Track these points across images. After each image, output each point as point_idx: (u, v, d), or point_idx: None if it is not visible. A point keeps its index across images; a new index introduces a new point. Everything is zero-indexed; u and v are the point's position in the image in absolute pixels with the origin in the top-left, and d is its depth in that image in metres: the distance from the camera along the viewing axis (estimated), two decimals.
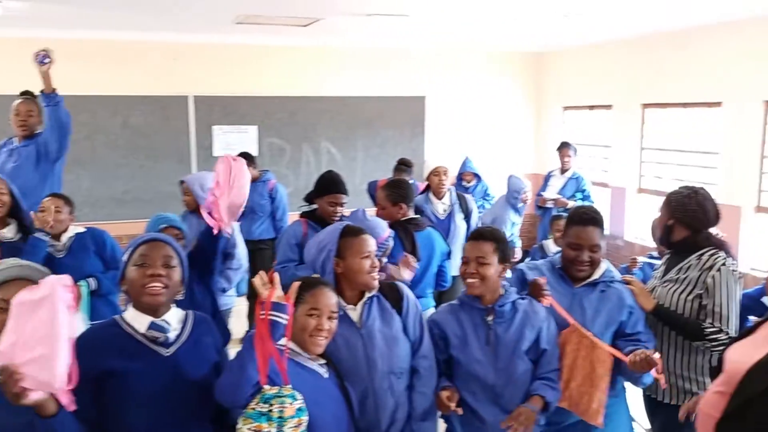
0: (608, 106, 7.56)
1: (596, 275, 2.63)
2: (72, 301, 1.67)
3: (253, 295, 5.06)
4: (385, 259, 3.16)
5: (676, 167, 6.62)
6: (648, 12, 5.46)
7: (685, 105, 6.49)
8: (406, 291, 2.49)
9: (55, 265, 3.26)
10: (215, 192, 2.82)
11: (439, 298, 4.14)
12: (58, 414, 1.65)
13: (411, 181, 4.78)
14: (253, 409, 1.85)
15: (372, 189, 5.73)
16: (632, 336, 2.56)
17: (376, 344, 2.32)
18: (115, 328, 1.99)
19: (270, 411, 1.84)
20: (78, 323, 1.83)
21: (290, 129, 7.81)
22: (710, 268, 2.67)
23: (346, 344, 2.30)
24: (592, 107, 7.96)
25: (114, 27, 6.34)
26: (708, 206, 2.76)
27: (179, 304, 2.11)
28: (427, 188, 5.02)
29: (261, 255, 5.44)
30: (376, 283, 2.39)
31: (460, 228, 4.75)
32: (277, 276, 1.96)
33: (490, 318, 2.43)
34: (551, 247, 5.08)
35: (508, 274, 2.55)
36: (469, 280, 2.41)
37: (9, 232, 3.56)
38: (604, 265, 2.66)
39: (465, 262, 2.44)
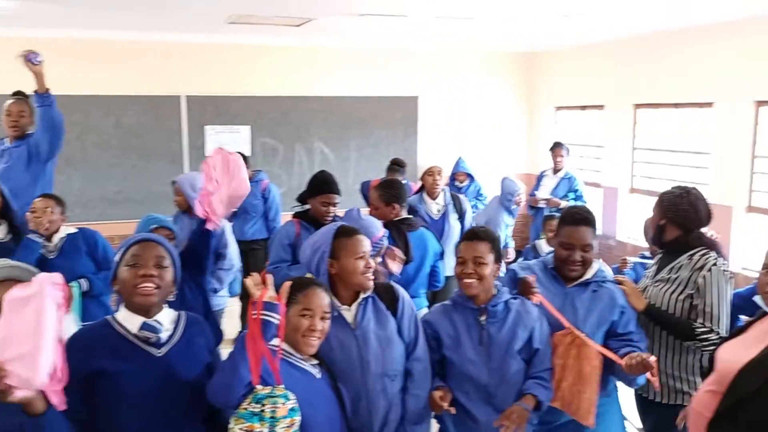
0: (600, 107, 7.58)
1: (588, 275, 2.63)
2: (62, 299, 1.67)
3: (246, 296, 5.05)
4: (379, 259, 3.16)
5: (667, 167, 6.65)
6: (640, 13, 5.49)
7: (676, 105, 6.52)
8: (402, 292, 2.48)
9: (46, 266, 3.25)
10: (209, 185, 2.80)
11: (433, 299, 4.15)
12: (46, 413, 1.64)
13: (404, 182, 4.78)
14: (245, 409, 1.85)
15: (365, 189, 5.73)
16: (624, 336, 2.57)
17: (370, 346, 2.32)
18: (106, 329, 1.98)
19: (262, 411, 1.84)
20: (69, 323, 1.83)
21: (283, 129, 7.80)
22: (701, 268, 2.68)
23: (339, 345, 2.30)
24: (584, 107, 7.98)
25: (106, 26, 6.32)
26: (700, 206, 2.77)
27: (171, 304, 2.10)
28: (421, 188, 5.02)
29: (254, 255, 5.43)
30: (370, 284, 2.38)
31: (454, 228, 4.76)
32: (269, 276, 1.96)
33: (483, 318, 2.43)
34: (544, 247, 5.09)
35: (502, 271, 2.56)
36: (467, 281, 2.40)
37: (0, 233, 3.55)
38: (596, 265, 2.67)
39: (461, 262, 2.44)
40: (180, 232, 3.55)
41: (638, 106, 7.01)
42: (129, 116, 7.27)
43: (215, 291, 4.11)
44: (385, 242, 3.39)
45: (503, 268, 2.72)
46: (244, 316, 5.39)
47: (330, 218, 3.64)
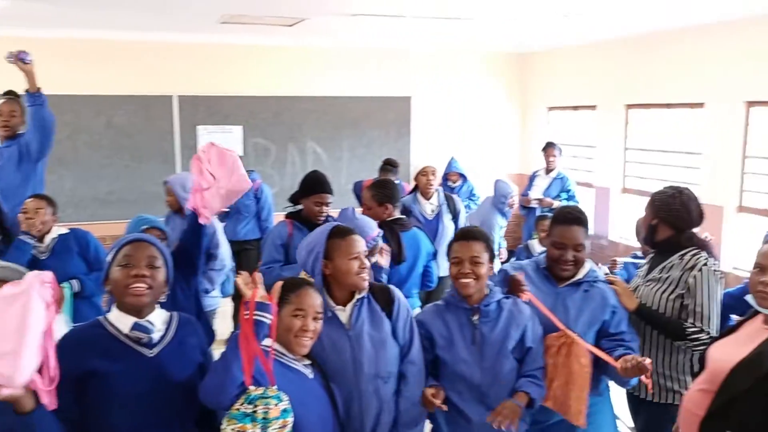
0: (592, 107, 7.61)
1: (580, 275, 2.64)
2: (51, 297, 1.66)
3: (238, 296, 5.04)
4: (374, 259, 3.16)
5: (659, 167, 6.67)
6: (632, 14, 5.51)
7: (668, 106, 6.54)
8: (398, 294, 2.47)
9: (38, 267, 3.18)
10: (202, 180, 2.78)
11: (427, 299, 4.15)
12: (35, 412, 1.63)
13: (397, 182, 4.78)
14: (238, 409, 1.85)
15: (358, 189, 5.73)
16: (616, 336, 2.58)
17: (364, 347, 2.31)
18: (98, 329, 1.98)
19: (254, 412, 1.84)
20: (60, 324, 1.82)
21: (275, 129, 7.79)
22: (692, 268, 2.70)
23: (333, 346, 2.29)
24: (576, 108, 8.01)
25: (98, 26, 6.29)
26: (692, 206, 2.79)
27: (162, 305, 2.10)
28: (415, 188, 5.02)
29: (246, 256, 5.41)
30: (365, 284, 2.37)
31: (448, 228, 4.76)
32: (259, 276, 1.95)
33: (475, 317, 2.43)
34: (536, 247, 5.10)
35: (496, 267, 2.56)
36: (464, 280, 2.40)
37: None
38: (588, 265, 2.67)
39: (457, 262, 2.43)
40: (171, 233, 3.54)
41: (630, 106, 7.03)
42: (120, 116, 7.24)
43: (206, 291, 4.10)
44: (380, 242, 3.39)
45: (495, 267, 2.72)
46: (236, 316, 5.38)
47: (323, 218, 3.63)
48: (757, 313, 2.23)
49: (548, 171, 6.76)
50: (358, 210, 3.68)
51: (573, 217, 2.65)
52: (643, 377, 2.31)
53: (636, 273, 3.11)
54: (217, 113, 7.55)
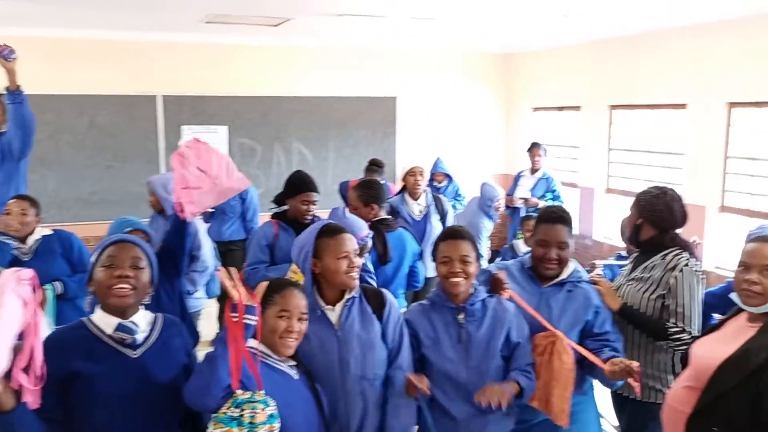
0: (577, 108, 7.66)
1: (564, 275, 2.65)
2: (31, 294, 1.64)
3: (224, 297, 5.01)
4: (363, 259, 3.16)
5: (642, 168, 6.73)
6: (615, 16, 5.55)
7: (651, 107, 6.60)
8: (390, 298, 2.46)
9: None
10: (189, 176, 2.75)
11: (414, 300, 4.15)
12: (15, 410, 1.62)
13: (383, 182, 4.78)
14: (224, 413, 1.84)
15: (344, 189, 5.71)
16: (601, 336, 2.59)
17: (352, 347, 2.30)
18: (81, 330, 1.96)
19: (241, 416, 1.82)
20: (43, 324, 1.80)
21: (261, 129, 7.76)
22: (673, 268, 2.72)
23: (321, 345, 2.28)
24: (561, 108, 8.06)
25: (80, 25, 6.24)
26: (675, 207, 2.81)
27: (146, 307, 2.08)
28: (403, 189, 5.01)
29: (231, 256, 5.38)
30: (354, 284, 2.36)
31: (436, 229, 4.76)
32: (235, 271, 1.94)
33: (461, 316, 2.44)
34: (521, 247, 5.12)
35: (484, 263, 2.56)
36: (455, 280, 2.40)
37: None
38: (572, 265, 2.69)
39: (446, 261, 2.43)
40: (155, 234, 3.52)
41: (614, 107, 7.09)
42: (104, 116, 7.19)
43: (188, 293, 4.07)
44: (369, 242, 3.39)
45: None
46: (221, 317, 5.35)
47: (310, 218, 3.63)
48: (740, 310, 2.26)
49: (533, 171, 6.79)
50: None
51: (557, 216, 2.66)
52: (630, 380, 2.33)
53: (620, 272, 3.13)
54: (202, 113, 7.52)
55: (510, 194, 6.73)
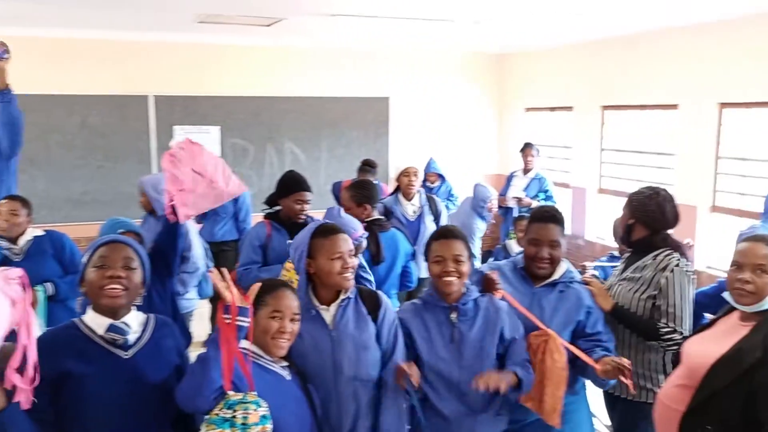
0: (569, 108, 7.68)
1: (556, 275, 2.66)
2: (19, 293, 1.63)
3: (216, 298, 4.99)
4: (358, 259, 3.15)
5: (634, 168, 6.76)
6: (607, 16, 5.57)
7: (642, 107, 6.63)
8: (386, 300, 2.46)
9: None
10: (184, 178, 2.73)
11: (408, 300, 4.15)
12: (6, 410, 1.61)
13: (375, 182, 4.78)
14: (217, 415, 1.83)
15: (336, 190, 5.71)
16: (593, 336, 2.60)
17: (345, 348, 2.29)
18: (73, 330, 1.96)
19: (234, 417, 1.82)
20: (35, 326, 1.79)
21: (253, 129, 7.75)
22: (664, 268, 2.73)
23: (314, 345, 2.28)
24: (553, 109, 8.08)
25: (72, 24, 6.21)
26: (667, 208, 2.82)
27: (138, 307, 2.08)
28: (397, 189, 5.00)
29: (224, 257, 5.37)
30: (348, 284, 2.35)
31: (429, 230, 4.75)
32: (226, 272, 1.94)
33: (453, 316, 2.44)
34: (514, 247, 5.13)
35: (477, 264, 2.56)
36: (448, 279, 2.40)
37: None
38: (564, 266, 2.70)
39: (439, 261, 2.43)
40: (146, 234, 3.51)
41: (606, 107, 7.11)
42: (95, 116, 7.15)
43: (178, 294, 4.05)
44: (364, 242, 3.39)
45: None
46: (213, 318, 5.33)
47: (304, 217, 3.62)
48: (732, 309, 2.27)
49: (526, 171, 6.80)
50: None
51: (549, 215, 2.68)
52: (622, 378, 2.33)
53: (612, 272, 3.14)
54: (194, 113, 7.49)
55: (502, 194, 6.73)
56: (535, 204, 6.34)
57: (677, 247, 2.81)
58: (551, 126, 8.18)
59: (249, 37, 7.06)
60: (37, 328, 1.77)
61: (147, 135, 7.37)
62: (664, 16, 5.53)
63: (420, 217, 4.83)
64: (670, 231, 2.87)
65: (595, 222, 7.32)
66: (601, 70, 7.08)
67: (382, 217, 4.04)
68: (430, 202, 4.94)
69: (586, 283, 2.73)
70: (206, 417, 1.85)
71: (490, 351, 2.43)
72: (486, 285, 2.58)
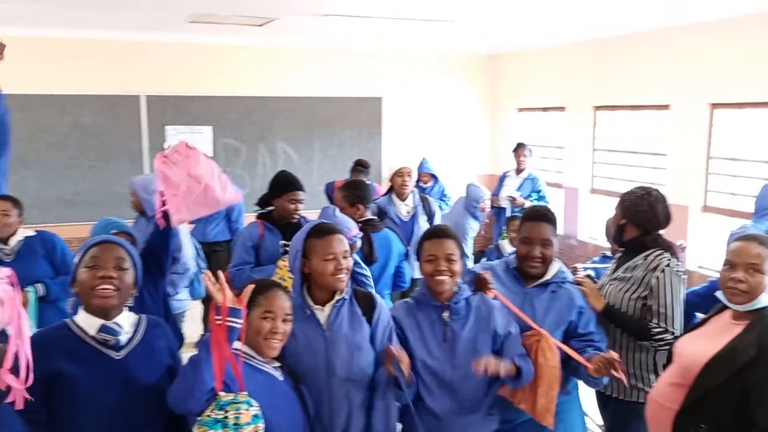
0: (561, 108, 7.70)
1: (548, 275, 2.66)
2: (8, 293, 1.62)
3: (208, 299, 4.97)
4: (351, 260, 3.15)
5: (626, 168, 6.78)
6: (599, 17, 5.58)
7: (634, 107, 6.65)
8: (381, 302, 2.46)
9: None
10: (179, 181, 2.70)
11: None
12: None
13: (368, 182, 4.77)
14: (209, 416, 1.82)
15: (329, 190, 5.71)
16: (585, 336, 2.61)
17: (339, 348, 2.29)
18: (64, 331, 1.96)
19: (226, 418, 1.82)
20: (27, 326, 1.78)
21: (246, 129, 7.73)
22: (654, 269, 2.74)
23: (308, 344, 2.27)
24: (545, 109, 8.10)
25: (63, 24, 6.18)
26: (658, 208, 2.83)
27: (130, 308, 2.07)
28: (390, 189, 5.00)
29: (216, 257, 5.35)
30: (341, 285, 2.35)
31: (423, 230, 4.73)
32: (221, 275, 1.93)
33: (446, 314, 2.44)
34: (507, 247, 5.13)
35: (470, 263, 2.56)
36: (441, 278, 2.40)
37: None
38: (557, 266, 2.70)
39: (432, 260, 2.43)
40: (138, 235, 3.49)
41: (598, 108, 7.13)
42: (86, 116, 7.12)
43: (168, 295, 4.03)
44: (358, 242, 3.39)
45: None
46: (206, 318, 5.32)
47: (297, 217, 3.62)
48: (723, 308, 2.28)
49: (519, 171, 6.81)
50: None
51: (541, 214, 2.69)
52: (614, 372, 2.34)
53: (604, 272, 3.15)
54: (186, 113, 7.47)
55: (495, 194, 6.74)
56: (528, 204, 6.35)
57: (668, 248, 2.82)
58: (544, 126, 8.20)
59: (241, 37, 7.04)
60: (28, 328, 1.77)
61: (139, 135, 7.34)
62: (656, 17, 5.55)
63: (414, 218, 4.83)
64: (661, 231, 2.88)
65: (587, 222, 7.34)
66: (593, 71, 7.10)
67: (375, 217, 4.04)
68: (424, 202, 4.94)
69: (578, 284, 2.74)
70: (198, 418, 1.84)
71: (482, 350, 2.42)
72: (478, 284, 2.59)
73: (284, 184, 3.65)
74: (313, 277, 2.34)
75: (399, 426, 2.51)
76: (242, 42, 7.44)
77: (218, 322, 1.86)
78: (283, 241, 3.56)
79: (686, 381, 2.17)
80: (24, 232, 3.66)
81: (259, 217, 3.71)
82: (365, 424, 2.32)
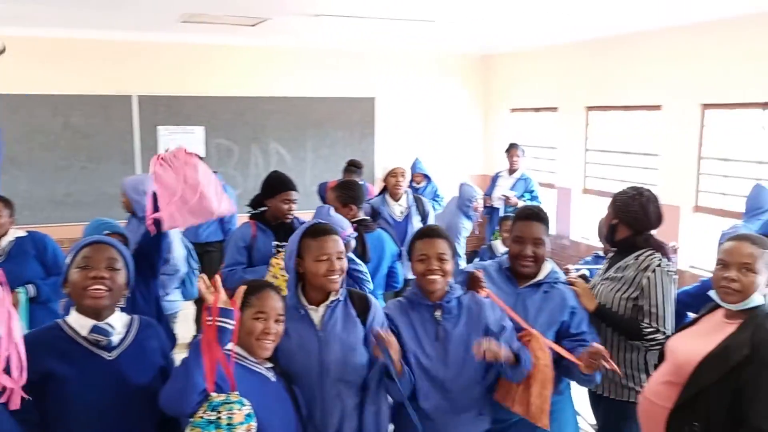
0: (554, 109, 7.72)
1: (541, 275, 2.67)
2: None
3: (201, 299, 4.94)
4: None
5: (618, 168, 6.80)
6: (592, 18, 5.60)
7: (626, 108, 6.68)
8: (375, 303, 2.46)
9: None
10: (183, 193, 2.69)
11: None
12: None
13: (361, 183, 4.77)
14: (201, 417, 1.82)
15: (322, 190, 5.69)
16: (577, 336, 2.61)
17: (332, 349, 2.29)
18: (56, 331, 1.95)
19: (218, 418, 1.81)
20: (18, 326, 1.77)
21: (238, 130, 7.71)
22: (645, 269, 2.75)
23: (301, 344, 2.27)
24: (537, 109, 8.11)
25: (54, 24, 6.15)
26: (650, 208, 2.84)
27: (122, 309, 2.06)
28: (384, 190, 4.99)
29: (209, 258, 5.34)
30: (334, 286, 2.34)
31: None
32: (217, 278, 1.93)
33: (438, 313, 2.44)
34: (499, 247, 5.14)
35: (463, 263, 2.56)
36: (432, 277, 2.41)
37: None
38: (549, 266, 2.71)
39: (423, 259, 2.43)
40: (130, 235, 3.48)
41: (590, 108, 7.15)
42: (78, 116, 7.08)
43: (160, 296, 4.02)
44: (353, 242, 3.39)
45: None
46: (199, 319, 5.30)
47: (291, 217, 3.61)
48: (716, 307, 2.29)
49: (511, 172, 6.82)
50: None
51: (533, 214, 2.70)
52: (605, 363, 2.34)
53: (596, 272, 3.16)
54: (178, 113, 7.44)
55: (488, 194, 6.75)
56: (521, 204, 6.36)
57: (660, 248, 2.83)
58: (536, 126, 8.22)
59: (233, 37, 7.02)
60: (19, 328, 1.76)
61: (131, 135, 7.31)
62: (648, 18, 5.57)
63: (407, 218, 4.83)
64: (653, 231, 2.89)
65: (579, 222, 7.36)
66: (585, 71, 7.12)
67: (368, 217, 4.04)
68: (418, 202, 4.93)
69: (571, 284, 2.74)
70: (190, 420, 1.84)
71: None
72: (471, 283, 2.59)
73: (277, 185, 3.64)
74: (307, 277, 2.34)
75: (391, 427, 2.51)
76: (234, 42, 7.42)
77: (209, 323, 1.85)
78: (276, 242, 3.55)
79: (679, 379, 2.18)
80: (15, 233, 3.64)
81: (252, 217, 3.70)
82: (358, 427, 2.31)
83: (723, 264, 2.21)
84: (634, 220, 2.83)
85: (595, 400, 2.96)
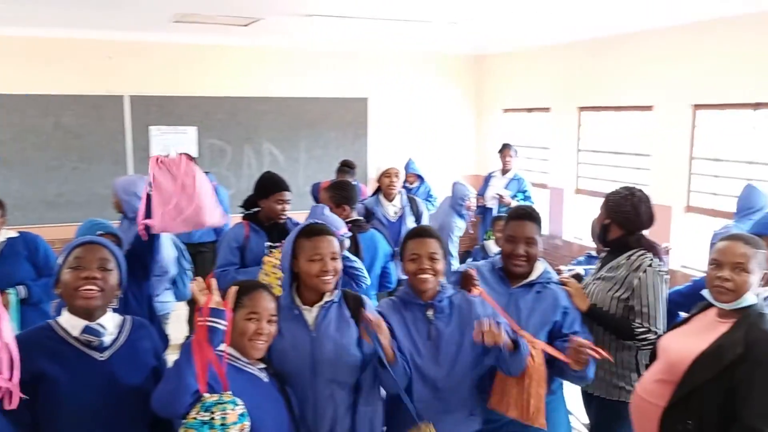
0: (546, 109, 7.74)
1: (533, 276, 2.68)
2: None
3: (194, 300, 4.92)
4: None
5: (610, 168, 6.83)
6: (584, 18, 5.62)
7: (618, 108, 6.70)
8: (370, 305, 2.46)
9: None
10: (179, 200, 2.67)
11: None
12: None
13: (354, 183, 4.76)
14: (194, 418, 1.81)
15: (315, 191, 5.69)
16: (569, 336, 2.61)
17: (325, 349, 2.29)
18: (47, 332, 1.94)
19: (212, 419, 1.81)
20: (9, 327, 1.77)
21: (231, 130, 7.69)
22: (637, 269, 2.76)
23: (294, 344, 2.27)
24: (530, 110, 8.13)
25: (46, 24, 6.12)
26: (642, 209, 2.85)
27: (114, 310, 2.06)
28: (378, 190, 4.99)
29: (202, 258, 5.33)
30: (326, 287, 2.34)
31: None
32: (213, 281, 1.92)
33: (430, 313, 2.45)
34: (492, 247, 5.14)
35: (455, 263, 2.56)
36: (424, 276, 2.41)
37: None
38: (542, 266, 2.71)
39: (415, 259, 2.44)
40: (122, 235, 3.46)
41: (582, 108, 7.18)
42: (69, 116, 7.05)
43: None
44: (347, 241, 3.39)
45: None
46: (191, 320, 5.29)
47: (285, 218, 3.61)
48: (708, 306, 2.30)
49: (504, 172, 6.83)
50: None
51: (525, 213, 2.71)
52: (593, 353, 2.34)
53: (589, 272, 3.17)
54: (171, 114, 7.42)
55: (481, 194, 6.76)
56: (514, 204, 6.37)
57: (651, 248, 2.84)
58: (529, 127, 8.24)
59: (226, 37, 7.01)
60: (10, 328, 1.75)
61: (123, 136, 7.28)
62: (640, 18, 5.60)
63: (401, 218, 4.82)
64: (645, 231, 2.90)
65: (572, 222, 7.38)
66: (577, 72, 7.14)
67: (361, 218, 4.04)
68: (411, 202, 4.93)
69: (563, 284, 2.75)
70: (183, 421, 1.83)
71: (467, 347, 2.42)
72: (464, 281, 2.60)
73: (270, 185, 3.64)
74: (302, 277, 2.35)
75: (383, 429, 2.51)
76: (227, 42, 7.40)
77: (200, 323, 1.85)
78: (269, 243, 3.55)
79: (672, 378, 2.19)
80: (6, 233, 3.62)
81: (245, 218, 3.69)
82: (351, 427, 2.31)
83: (716, 264, 2.22)
84: (626, 220, 2.85)
85: (588, 399, 2.97)
